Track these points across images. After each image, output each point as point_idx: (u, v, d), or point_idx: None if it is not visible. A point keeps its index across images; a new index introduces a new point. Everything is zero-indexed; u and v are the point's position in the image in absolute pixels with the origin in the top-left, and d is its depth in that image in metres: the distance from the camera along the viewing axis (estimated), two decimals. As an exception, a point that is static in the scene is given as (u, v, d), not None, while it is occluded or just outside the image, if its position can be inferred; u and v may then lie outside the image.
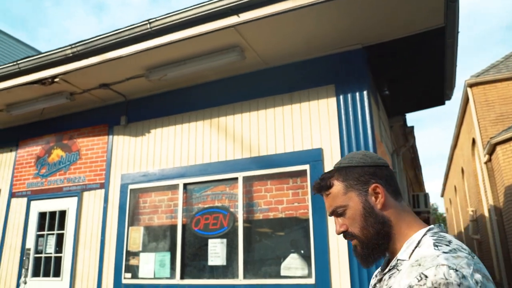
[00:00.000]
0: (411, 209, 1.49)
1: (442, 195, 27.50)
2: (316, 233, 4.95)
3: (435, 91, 7.11)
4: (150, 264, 5.85)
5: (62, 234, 6.72)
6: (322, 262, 4.84)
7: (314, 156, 5.19)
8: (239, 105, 5.86)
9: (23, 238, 7.08)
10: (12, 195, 7.51)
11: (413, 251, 1.13)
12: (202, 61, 5.57)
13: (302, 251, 5.07)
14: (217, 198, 5.70)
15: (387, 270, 1.20)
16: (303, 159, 5.24)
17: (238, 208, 5.47)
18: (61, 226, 6.79)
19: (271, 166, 5.39)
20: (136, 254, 6.01)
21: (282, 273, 5.07)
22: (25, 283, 6.78)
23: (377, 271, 1.31)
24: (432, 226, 1.20)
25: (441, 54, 5.80)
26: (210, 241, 5.52)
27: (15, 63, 6.45)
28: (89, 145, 6.93)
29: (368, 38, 5.24)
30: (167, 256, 5.77)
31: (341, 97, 5.28)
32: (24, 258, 6.94)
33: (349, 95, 5.25)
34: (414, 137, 7.84)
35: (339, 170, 1.31)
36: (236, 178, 5.57)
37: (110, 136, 6.76)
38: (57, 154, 7.23)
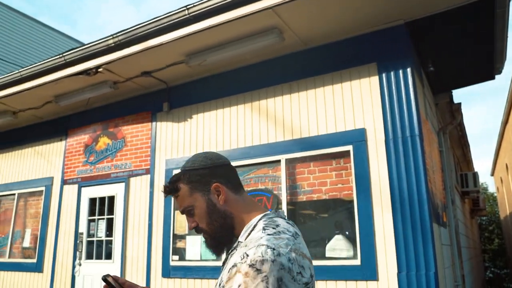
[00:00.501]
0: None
1: (492, 174, 26.53)
2: (360, 214, 4.90)
3: (484, 65, 6.80)
4: (196, 247, 5.98)
5: (112, 219, 6.97)
6: (368, 243, 4.79)
7: (357, 137, 5.11)
8: (280, 87, 5.83)
9: (76, 223, 7.40)
10: (64, 182, 7.84)
11: (249, 234, 1.30)
12: (241, 45, 5.56)
13: (347, 233, 5.04)
14: (260, 181, 5.73)
15: (230, 251, 1.35)
16: (346, 140, 5.16)
17: (281, 191, 5.48)
18: (110, 211, 7.04)
19: (314, 148, 5.35)
20: (182, 237, 6.16)
21: (327, 254, 5.07)
22: (80, 265, 7.11)
23: (224, 258, 1.43)
24: (268, 212, 1.37)
25: (490, 26, 5.53)
26: (255, 224, 5.56)
27: (61, 55, 6.67)
28: (133, 132, 7.10)
29: (411, 13, 5.05)
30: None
31: (383, 75, 5.14)
32: (78, 241, 7.26)
33: (392, 73, 5.11)
34: (461, 114, 7.55)
35: (184, 173, 1.44)
36: (279, 161, 5.57)
37: (154, 123, 6.90)
38: (104, 142, 7.46)
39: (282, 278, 1.12)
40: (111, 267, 6.73)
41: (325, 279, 4.96)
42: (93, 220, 7.25)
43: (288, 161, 5.53)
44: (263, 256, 1.12)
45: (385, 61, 5.16)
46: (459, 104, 7.49)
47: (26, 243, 8.22)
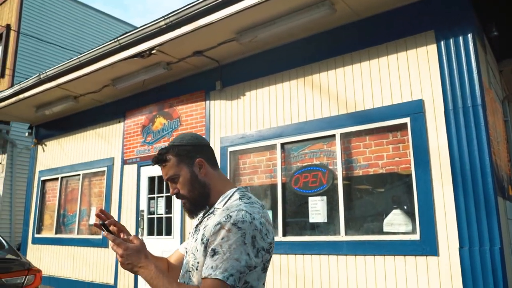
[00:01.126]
0: None
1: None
2: (419, 188, 4.77)
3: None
4: (253, 222, 6.07)
5: (170, 197, 7.21)
6: (427, 217, 4.67)
7: (415, 108, 4.94)
8: (332, 60, 5.71)
9: (136, 201, 7.72)
10: (124, 162, 8.17)
11: (226, 202, 1.61)
12: (292, 19, 5.48)
13: (405, 207, 4.94)
14: (315, 156, 5.70)
15: (206, 214, 1.66)
16: (403, 112, 5.01)
17: (336, 165, 5.43)
18: (169, 189, 7.26)
19: (369, 121, 5.23)
20: (239, 213, 6.26)
21: (385, 229, 5.00)
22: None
23: (196, 221, 1.76)
24: (241, 187, 1.69)
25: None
26: (310, 199, 5.57)
27: (115, 40, 6.87)
28: (188, 112, 7.25)
29: (472, -25, 4.76)
30: (269, 214, 5.93)
31: (442, 43, 4.91)
32: (139, 219, 7.58)
33: (451, 40, 4.86)
34: (527, 81, 7.11)
35: (173, 147, 1.71)
36: (334, 135, 5.51)
37: (207, 102, 7.00)
38: (160, 122, 7.67)
39: (255, 236, 1.48)
40: (171, 242, 6.99)
41: (382, 255, 4.90)
42: (153, 198, 7.53)
43: (343, 136, 5.45)
44: (243, 218, 1.47)
45: (443, 28, 4.92)
46: (526, 70, 7.04)
47: (92, 220, 8.69)
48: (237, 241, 1.43)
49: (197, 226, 1.71)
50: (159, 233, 7.28)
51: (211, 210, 1.66)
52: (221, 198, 1.66)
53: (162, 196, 7.36)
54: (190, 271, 1.60)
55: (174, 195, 1.72)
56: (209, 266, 1.44)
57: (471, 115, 4.62)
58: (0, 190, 12.65)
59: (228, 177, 6.43)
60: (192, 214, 1.73)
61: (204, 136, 6.81)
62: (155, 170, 7.52)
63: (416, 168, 4.82)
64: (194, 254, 1.59)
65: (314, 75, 5.85)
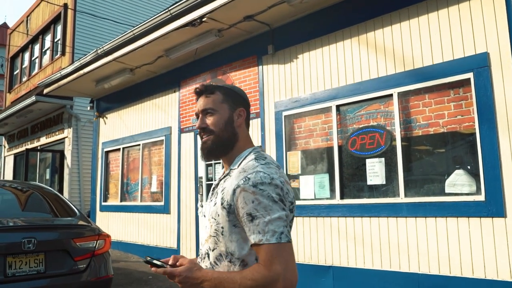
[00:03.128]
0: None
1: None
2: (484, 146, 4.54)
3: None
4: (309, 186, 6.08)
5: (227, 163, 7.32)
6: (493, 177, 4.45)
7: (479, 62, 4.65)
8: (388, 16, 5.46)
9: (195, 168, 7.92)
10: (181, 131, 8.37)
11: (241, 163, 1.61)
12: (344, -25, 5.26)
13: (468, 167, 4.73)
14: (372, 117, 5.55)
15: (222, 176, 1.66)
16: (465, 67, 4.73)
17: (394, 126, 5.26)
18: (225, 155, 7.38)
19: (429, 79, 5.00)
20: (296, 177, 6.28)
21: (447, 190, 4.83)
22: (202, 206, 7.65)
23: (214, 184, 1.72)
24: (256, 146, 1.69)
25: None
26: (368, 161, 5.47)
27: (166, 10, 6.93)
28: (241, 78, 7.25)
29: None
30: (325, 177, 5.91)
31: (510, -11, 4.54)
32: (198, 185, 7.79)
33: (520, -14, 4.49)
34: None
35: (223, 87, 1.72)
36: (391, 95, 5.32)
37: (260, 67, 6.95)
38: (213, 90, 7.73)
39: (280, 193, 1.48)
40: (230, 208, 7.14)
41: (444, 216, 4.76)
42: (210, 165, 7.69)
43: (401, 95, 5.25)
44: (262, 180, 1.47)
45: (511, -27, 4.54)
46: None
47: (154, 188, 9.03)
48: (268, 201, 1.44)
49: (213, 189, 1.70)
50: (218, 198, 7.44)
51: (227, 172, 1.66)
52: (236, 159, 1.65)
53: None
54: (214, 236, 1.57)
55: (200, 129, 1.69)
56: (254, 231, 1.44)
57: (543, 67, 4.29)
58: (68, 162, 13.41)
59: (284, 141, 6.43)
60: (209, 155, 1.68)
61: (258, 101, 6.83)
62: (211, 138, 7.63)
63: (481, 126, 4.58)
64: (215, 219, 1.56)
65: (368, 33, 5.63)
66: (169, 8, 6.88)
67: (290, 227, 1.55)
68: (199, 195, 7.73)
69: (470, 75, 4.70)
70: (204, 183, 7.70)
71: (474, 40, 4.74)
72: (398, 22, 5.37)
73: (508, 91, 4.46)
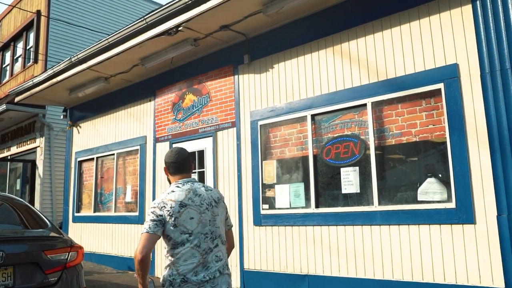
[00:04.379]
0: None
1: None
2: (454, 155, 4.65)
3: None
4: (285, 195, 6.10)
5: (203, 172, 7.30)
6: (463, 185, 4.57)
7: (449, 73, 4.78)
8: (362, 28, 5.57)
9: (170, 178, 7.84)
10: (156, 140, 8.30)
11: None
12: (318, -13, 5.35)
13: (440, 175, 4.83)
14: (346, 126, 5.63)
15: None
16: (436, 78, 4.86)
17: (368, 135, 5.35)
18: (201, 165, 7.35)
19: (401, 89, 5.11)
20: (271, 186, 6.30)
21: (419, 198, 4.92)
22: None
23: None
24: (174, 183, 2.80)
25: None
26: (343, 170, 5.53)
27: (142, 19, 6.91)
28: (217, 87, 7.25)
29: None
30: (301, 186, 5.95)
31: (477, 2, 4.70)
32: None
33: None
34: None
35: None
36: (365, 104, 5.41)
37: (236, 76, 6.98)
38: (189, 99, 7.72)
39: (154, 211, 2.62)
40: (206, 217, 7.09)
41: (417, 224, 4.84)
42: (186, 174, 7.62)
43: (375, 104, 5.34)
44: (154, 203, 2.68)
45: (478, -12, 4.70)
46: None
47: (128, 198, 8.91)
48: (147, 213, 2.67)
49: None
50: (193, 208, 7.38)
51: None
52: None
53: (194, 172, 7.45)
54: None
55: None
56: None
57: (510, 78, 4.44)
58: (40, 172, 13.11)
59: (259, 150, 6.46)
60: None
61: (234, 111, 6.84)
62: (187, 147, 7.60)
63: (451, 135, 4.70)
64: None
65: (343, 43, 5.73)
66: (145, 17, 6.86)
67: (163, 225, 2.59)
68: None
69: (441, 86, 4.82)
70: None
71: (444, 51, 4.87)
72: (371, 33, 5.48)
73: (476, 101, 4.59)
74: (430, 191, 4.86)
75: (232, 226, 3.10)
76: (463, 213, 4.55)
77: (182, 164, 2.84)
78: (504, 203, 4.35)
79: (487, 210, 4.43)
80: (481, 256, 4.43)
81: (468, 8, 4.75)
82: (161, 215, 2.57)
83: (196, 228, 2.61)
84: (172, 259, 2.59)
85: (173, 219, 2.56)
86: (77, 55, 8.39)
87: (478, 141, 4.55)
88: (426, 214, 4.80)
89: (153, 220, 2.56)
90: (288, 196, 6.07)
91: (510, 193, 4.32)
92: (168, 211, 2.57)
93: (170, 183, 2.85)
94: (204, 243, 2.63)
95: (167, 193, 2.68)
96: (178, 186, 2.71)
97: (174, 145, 7.89)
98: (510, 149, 4.35)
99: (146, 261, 2.50)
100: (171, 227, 2.57)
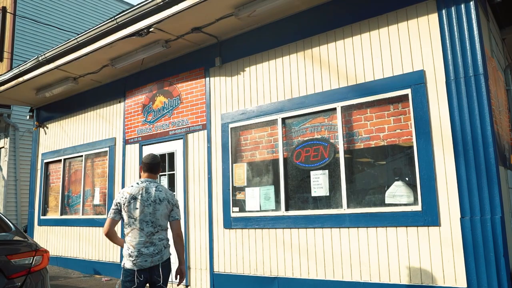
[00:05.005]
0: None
1: None
2: (421, 159, 4.77)
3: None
4: (255, 198, 6.12)
5: (173, 175, 7.23)
6: (429, 188, 4.69)
7: (416, 79, 4.90)
8: (332, 33, 5.65)
9: (140, 180, 7.74)
10: (126, 142, 8.18)
11: None
12: (290, -9, 5.39)
13: (407, 179, 4.94)
14: (316, 130, 5.69)
15: None
16: (404, 83, 4.97)
17: (338, 139, 5.42)
18: (171, 167, 7.29)
19: (370, 93, 5.20)
20: (241, 189, 6.31)
21: (387, 201, 5.01)
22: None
23: None
24: (141, 179, 3.83)
25: None
26: (312, 173, 5.59)
27: (113, 19, 6.81)
28: (188, 89, 7.21)
29: None
30: (271, 189, 5.98)
31: (443, 11, 4.84)
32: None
33: (452, 9, 4.79)
34: (530, 50, 7.02)
35: None
36: (335, 109, 5.48)
37: (207, 78, 6.96)
38: (160, 100, 7.65)
39: (116, 200, 3.71)
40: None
41: (384, 226, 4.94)
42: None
43: (344, 109, 5.42)
44: (119, 192, 4.09)
45: (444, -4, 4.84)
46: (529, 38, 6.94)
47: (96, 200, 8.75)
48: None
49: None
50: (163, 211, 7.30)
51: None
52: None
53: (165, 175, 7.39)
54: None
55: None
56: None
57: (473, 85, 4.59)
58: (4, 174, 12.72)
59: (230, 153, 6.45)
60: None
61: (205, 113, 6.82)
62: (157, 149, 7.54)
63: (418, 140, 4.81)
64: None
65: (314, 48, 5.80)
66: (116, 17, 6.76)
67: (120, 212, 3.68)
68: (144, 208, 7.52)
69: (408, 91, 4.94)
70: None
71: (411, 58, 4.99)
72: (342, 38, 5.56)
73: (442, 106, 4.72)
74: (397, 194, 4.97)
75: (176, 218, 3.83)
76: (429, 216, 4.66)
77: (152, 166, 3.89)
78: (467, 205, 4.48)
79: (451, 212, 4.56)
80: (445, 257, 4.55)
81: (434, 17, 4.88)
82: (119, 203, 3.69)
83: (139, 216, 3.64)
84: (126, 236, 3.69)
85: (125, 206, 3.66)
86: (44, 54, 8.19)
87: (443, 146, 4.68)
88: (393, 216, 4.90)
89: (113, 209, 3.70)
90: (258, 199, 6.09)
91: (472, 196, 4.46)
92: (124, 199, 3.68)
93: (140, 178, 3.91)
94: (147, 228, 3.64)
95: (130, 186, 3.80)
96: (137, 183, 3.78)
97: (144, 147, 7.81)
98: (473, 153, 4.49)
99: (110, 236, 3.73)
100: (124, 212, 3.67)
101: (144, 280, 3.61)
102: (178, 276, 3.80)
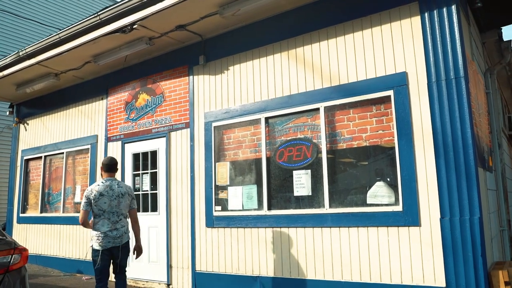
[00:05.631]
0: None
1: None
2: (402, 160, 4.82)
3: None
4: (238, 197, 6.11)
5: (155, 173, 7.19)
6: (410, 189, 4.74)
7: (398, 81, 4.95)
8: (316, 33, 5.67)
9: (121, 178, 7.68)
10: (108, 139, 8.10)
11: None
12: (275, -9, 5.39)
13: (388, 179, 4.99)
14: (299, 130, 5.71)
15: None
16: (386, 85, 5.02)
17: (321, 139, 5.45)
18: (154, 165, 7.24)
19: (353, 94, 5.24)
20: (224, 188, 6.30)
21: (368, 201, 5.06)
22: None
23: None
24: (105, 179, 4.89)
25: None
26: (295, 173, 5.61)
27: (96, 14, 6.73)
28: (171, 87, 7.17)
29: None
30: (253, 188, 5.98)
31: (426, 14, 4.89)
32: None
33: (435, 12, 4.85)
34: (511, 53, 7.13)
35: None
36: (318, 109, 5.51)
37: (191, 77, 6.92)
38: (143, 98, 7.59)
39: (85, 195, 4.76)
40: (158, 218, 7.01)
41: (366, 226, 4.98)
42: (138, 175, 7.50)
43: (327, 109, 5.45)
44: (86, 189, 4.84)
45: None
46: (509, 42, 7.06)
47: (77, 198, 8.64)
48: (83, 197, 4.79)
49: None
50: (145, 209, 7.27)
51: None
52: None
53: (147, 173, 7.34)
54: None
55: None
56: None
57: (454, 87, 4.65)
58: (-18, 170, 12.48)
59: (213, 152, 6.43)
60: None
61: (188, 112, 6.78)
62: (140, 147, 7.48)
63: (399, 141, 4.87)
64: None
65: (298, 48, 5.81)
66: (99, 13, 6.68)
67: (90, 204, 4.72)
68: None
69: (390, 93, 4.99)
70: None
71: (394, 60, 5.04)
72: (325, 39, 5.59)
73: (423, 108, 4.78)
74: (379, 195, 5.01)
75: (134, 207, 5.01)
76: (409, 216, 4.72)
77: (111, 167, 4.95)
78: (446, 206, 4.55)
79: (431, 213, 4.62)
80: (425, 257, 4.61)
81: (417, 20, 4.94)
82: (89, 198, 4.72)
83: (107, 208, 4.71)
84: (95, 224, 4.71)
85: (94, 201, 4.70)
86: (25, 49, 8.05)
87: (424, 147, 4.74)
88: (375, 216, 4.94)
89: (85, 202, 4.73)
90: (241, 198, 6.09)
91: (452, 197, 4.53)
92: (93, 196, 4.71)
93: (102, 177, 4.92)
94: (113, 217, 4.73)
95: (96, 184, 4.80)
96: (102, 182, 4.82)
97: (126, 145, 7.74)
98: (453, 155, 4.56)
99: (85, 223, 4.76)
100: (94, 206, 4.71)
101: (108, 257, 4.72)
102: (136, 251, 5.00)
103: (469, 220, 4.41)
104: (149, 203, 7.24)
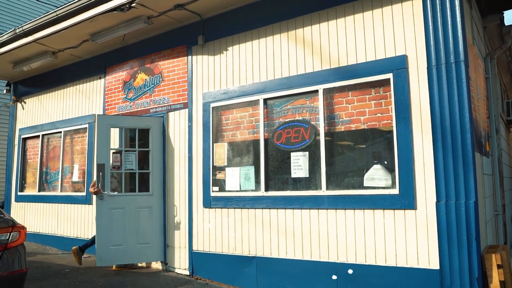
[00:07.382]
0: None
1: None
2: (400, 143, 4.83)
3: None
4: (235, 178, 6.13)
5: (146, 152, 7.09)
6: (407, 172, 4.76)
7: (398, 64, 4.92)
8: (316, 15, 5.62)
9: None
10: (105, 119, 8.06)
11: None
12: (275, -29, 5.33)
13: (386, 162, 5.01)
14: (298, 111, 5.70)
15: None
16: (386, 68, 5.00)
17: (319, 121, 5.44)
18: (145, 144, 7.08)
19: (352, 77, 5.22)
20: (222, 169, 6.31)
21: (365, 183, 5.08)
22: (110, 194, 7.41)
23: None
24: None
25: None
26: (292, 154, 5.62)
27: (94, -9, 6.63)
28: (170, 67, 7.12)
29: None
30: (251, 170, 5.99)
31: (427, -3, 4.84)
32: (100, 173, 7.44)
33: (436, -6, 4.80)
34: None
35: None
36: (317, 91, 5.49)
37: (189, 57, 6.87)
38: (141, 78, 7.55)
39: None
40: (151, 199, 6.98)
41: (362, 208, 5.01)
42: (119, 152, 7.33)
43: (326, 91, 5.44)
44: None
45: (429, -18, 4.84)
46: (510, 26, 7.01)
47: (75, 177, 8.66)
48: None
49: None
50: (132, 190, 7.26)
51: None
52: None
53: (129, 151, 7.26)
54: None
55: None
56: None
57: (454, 71, 4.63)
58: (-20, 148, 12.47)
59: (211, 133, 6.43)
60: None
61: (186, 92, 6.76)
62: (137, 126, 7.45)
63: (398, 124, 4.87)
64: None
65: (298, 29, 5.76)
66: (97, -10, 6.60)
67: None
68: (99, 184, 6.76)
69: (390, 76, 4.97)
70: (123, 172, 7.31)
71: (394, 42, 5.01)
72: (326, 20, 5.54)
73: (422, 92, 4.77)
74: (376, 177, 5.04)
75: None
76: (406, 199, 4.75)
77: None
78: (443, 190, 4.57)
79: (427, 196, 4.65)
80: (420, 239, 4.66)
81: (418, 2, 4.88)
82: None
83: None
84: None
85: None
86: (22, 27, 7.96)
87: (422, 131, 4.74)
88: (371, 199, 4.98)
89: None
90: (238, 179, 6.11)
91: (448, 181, 4.55)
92: None
93: None
94: None
95: None
96: None
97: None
98: (450, 139, 4.57)
99: None
100: None
101: None
102: None
103: (465, 204, 4.45)
104: (137, 183, 7.11)
